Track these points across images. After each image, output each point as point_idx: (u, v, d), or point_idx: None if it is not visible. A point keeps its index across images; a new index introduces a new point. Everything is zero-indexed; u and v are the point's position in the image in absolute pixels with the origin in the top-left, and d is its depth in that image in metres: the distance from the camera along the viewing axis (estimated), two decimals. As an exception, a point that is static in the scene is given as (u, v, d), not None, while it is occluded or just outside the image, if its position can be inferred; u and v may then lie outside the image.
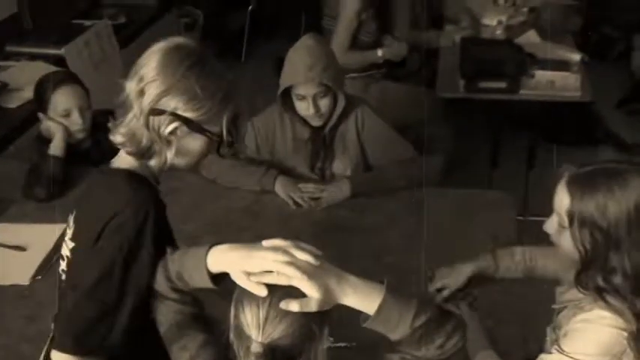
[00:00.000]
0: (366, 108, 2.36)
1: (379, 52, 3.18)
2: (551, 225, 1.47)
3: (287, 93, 2.24)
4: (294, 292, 1.07)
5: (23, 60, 3.16)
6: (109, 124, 1.39)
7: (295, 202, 2.25)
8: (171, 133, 1.32)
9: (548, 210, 1.47)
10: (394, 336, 1.11)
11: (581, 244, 1.39)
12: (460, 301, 1.70)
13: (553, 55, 3.23)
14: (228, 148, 1.39)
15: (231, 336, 1.13)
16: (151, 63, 1.34)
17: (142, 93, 1.31)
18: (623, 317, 1.37)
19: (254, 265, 1.09)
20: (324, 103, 2.21)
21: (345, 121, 2.31)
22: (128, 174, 1.38)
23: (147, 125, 1.31)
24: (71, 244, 1.48)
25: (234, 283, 1.12)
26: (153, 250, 1.30)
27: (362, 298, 1.10)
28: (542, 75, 3.02)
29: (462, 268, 1.78)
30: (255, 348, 1.06)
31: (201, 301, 1.27)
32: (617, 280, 1.37)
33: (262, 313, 1.06)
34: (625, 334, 1.37)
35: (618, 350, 1.38)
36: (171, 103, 1.31)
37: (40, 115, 2.43)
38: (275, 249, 1.10)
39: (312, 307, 1.07)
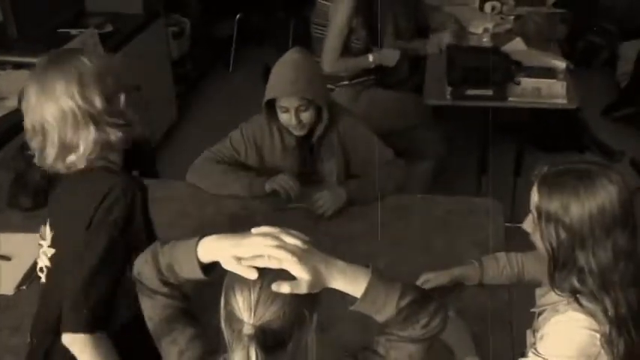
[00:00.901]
0: (349, 117, 2.41)
1: (370, 58, 3.19)
2: (528, 223, 1.51)
3: (272, 103, 2.28)
4: (283, 276, 1.10)
5: (8, 69, 3.13)
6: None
7: (286, 192, 2.25)
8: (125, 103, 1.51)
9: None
10: (381, 317, 1.16)
11: (548, 240, 1.43)
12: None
13: (539, 62, 3.25)
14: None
15: (222, 324, 1.14)
16: (66, 80, 1.46)
17: (87, 101, 1.45)
18: (596, 319, 1.40)
19: (244, 250, 1.11)
20: (306, 116, 2.26)
21: (331, 130, 2.35)
22: (102, 167, 1.51)
23: (111, 113, 1.47)
24: (51, 252, 1.53)
25: (224, 273, 1.14)
26: (143, 223, 1.45)
27: (349, 281, 1.14)
28: (528, 82, 3.04)
29: (447, 272, 1.86)
30: (247, 330, 1.08)
31: (188, 296, 1.29)
32: (590, 281, 1.39)
33: (254, 296, 1.08)
34: (598, 335, 1.40)
35: (593, 352, 1.41)
36: (109, 84, 1.48)
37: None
38: (264, 235, 1.13)
39: (303, 288, 1.10)
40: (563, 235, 1.41)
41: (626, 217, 1.39)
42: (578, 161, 1.48)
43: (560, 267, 1.43)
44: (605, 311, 1.39)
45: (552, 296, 1.48)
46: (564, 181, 1.41)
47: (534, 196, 1.46)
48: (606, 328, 1.38)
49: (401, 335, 1.16)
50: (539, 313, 1.55)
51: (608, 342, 1.38)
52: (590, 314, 1.40)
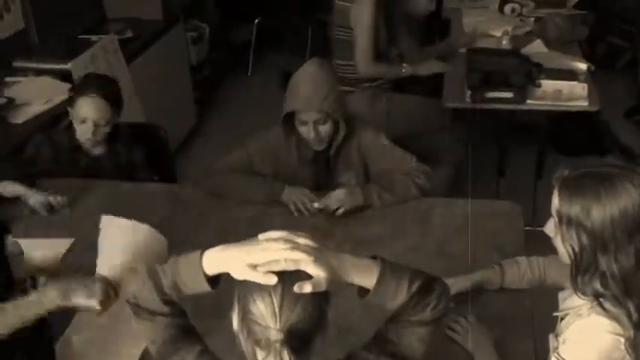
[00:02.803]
0: (369, 129, 2.40)
1: (404, 69, 3.23)
2: (549, 227, 1.49)
3: (291, 115, 2.29)
4: (300, 277, 1.10)
5: (30, 75, 3.17)
6: None
7: (297, 210, 2.25)
8: None
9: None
10: (393, 305, 1.19)
11: (569, 244, 1.42)
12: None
13: (560, 64, 3.22)
14: None
15: (240, 336, 1.14)
16: None
17: None
18: (620, 323, 1.38)
19: (259, 256, 1.11)
20: (324, 129, 2.27)
21: (349, 142, 2.35)
22: None
23: None
24: None
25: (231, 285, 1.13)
26: None
27: (362, 273, 1.17)
28: (548, 84, 3.01)
29: (468, 276, 1.84)
30: (276, 336, 1.08)
31: (186, 313, 1.28)
32: (613, 285, 1.37)
33: (277, 301, 1.09)
34: (623, 340, 1.38)
35: (617, 356, 1.39)
36: None
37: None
38: (274, 239, 1.13)
39: (323, 286, 1.11)
40: (584, 239, 1.39)
41: None
42: (600, 164, 1.46)
43: (583, 271, 1.41)
44: (629, 315, 1.37)
45: (575, 300, 1.46)
46: (585, 185, 1.39)
47: (555, 200, 1.44)
48: (630, 333, 1.37)
49: (411, 320, 1.19)
50: (562, 318, 1.53)
51: (632, 346, 1.36)
52: (614, 318, 1.38)
